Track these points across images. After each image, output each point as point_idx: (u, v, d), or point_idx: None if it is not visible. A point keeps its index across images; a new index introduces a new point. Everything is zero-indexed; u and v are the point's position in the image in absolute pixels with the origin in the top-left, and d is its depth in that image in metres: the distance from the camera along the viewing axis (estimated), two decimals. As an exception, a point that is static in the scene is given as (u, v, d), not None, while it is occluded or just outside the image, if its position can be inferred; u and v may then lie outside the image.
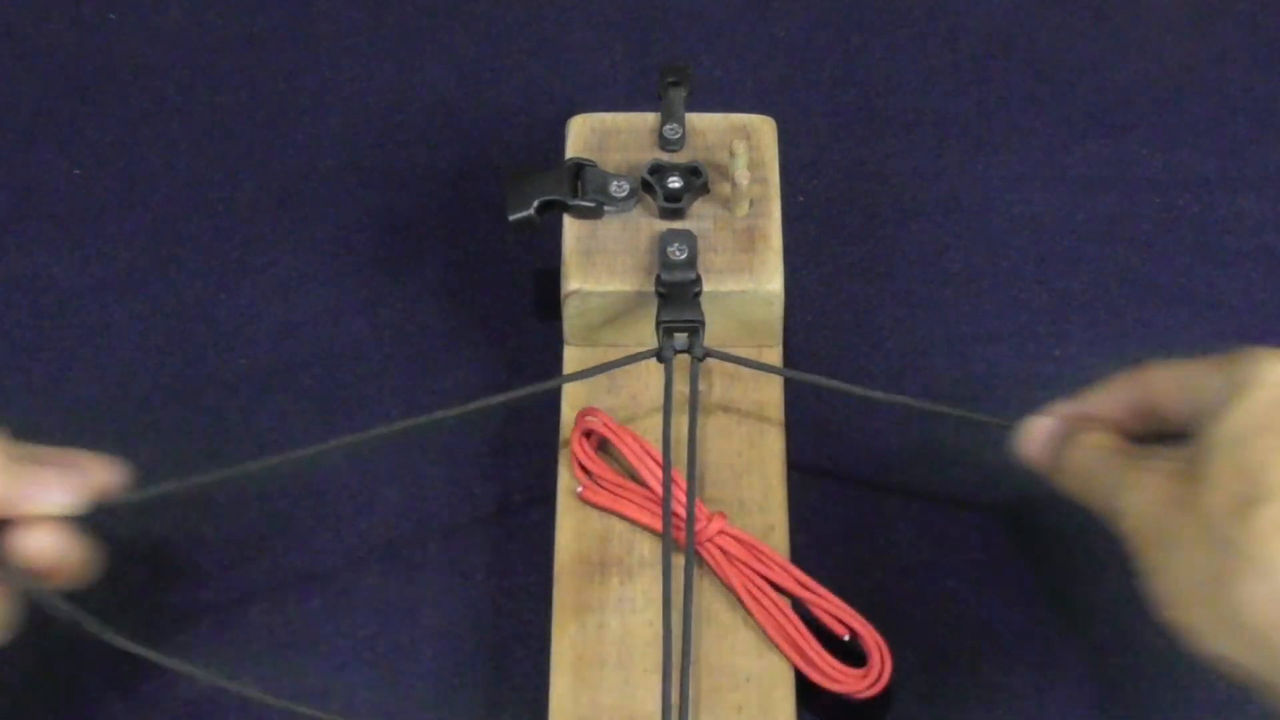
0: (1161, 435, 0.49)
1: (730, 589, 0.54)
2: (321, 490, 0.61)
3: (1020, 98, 0.74)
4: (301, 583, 0.59)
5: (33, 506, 0.49)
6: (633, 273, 0.58)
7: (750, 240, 0.58)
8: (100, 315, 0.67)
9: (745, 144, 0.57)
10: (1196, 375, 0.47)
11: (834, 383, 0.57)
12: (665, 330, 0.55)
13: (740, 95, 0.73)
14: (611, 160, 0.60)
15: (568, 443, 0.57)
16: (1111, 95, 0.74)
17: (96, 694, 0.57)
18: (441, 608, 0.58)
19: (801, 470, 0.61)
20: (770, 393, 0.59)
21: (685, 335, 0.56)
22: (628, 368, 0.58)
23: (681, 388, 0.56)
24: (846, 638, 0.53)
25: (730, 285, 0.58)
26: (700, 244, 0.57)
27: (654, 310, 0.57)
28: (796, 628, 0.53)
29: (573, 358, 0.60)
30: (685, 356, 0.56)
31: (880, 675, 0.53)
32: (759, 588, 0.53)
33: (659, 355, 0.55)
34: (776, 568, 0.54)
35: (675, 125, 0.60)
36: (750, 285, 0.58)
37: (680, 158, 0.60)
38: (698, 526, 0.54)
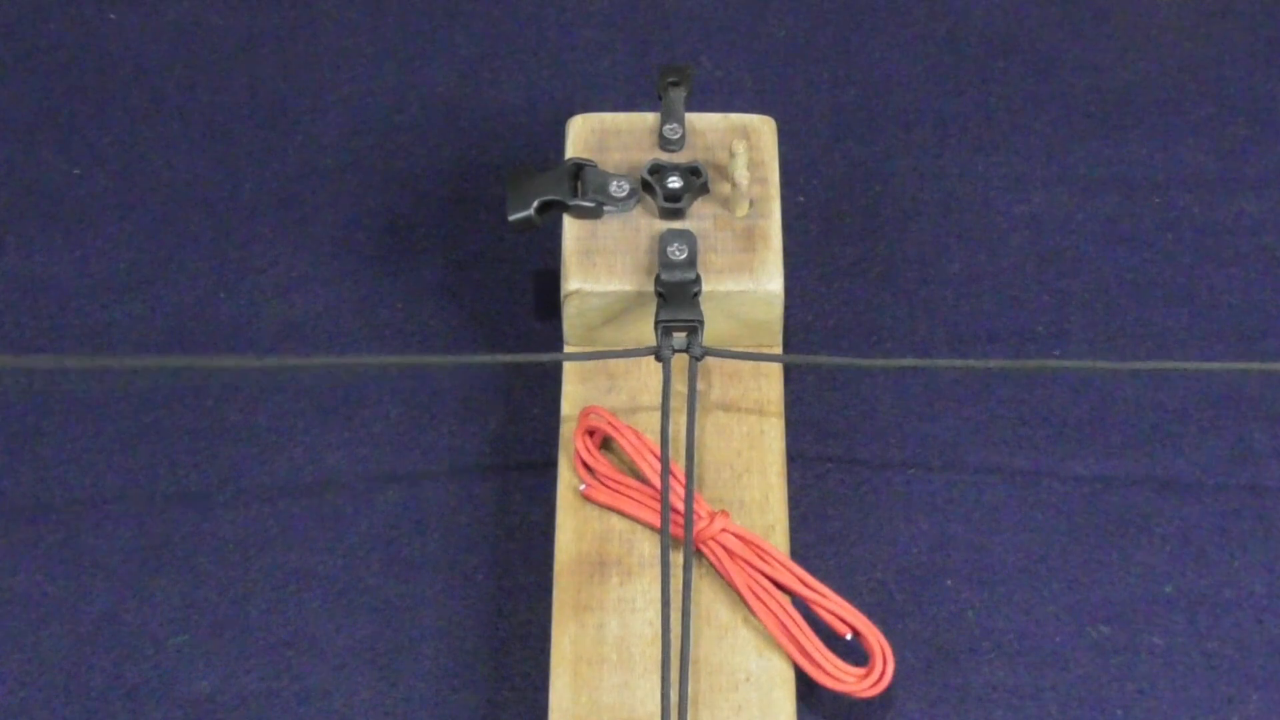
0: None
1: (732, 587, 0.54)
2: (321, 490, 0.61)
3: (1020, 98, 0.74)
4: (301, 582, 0.59)
5: None
6: (632, 273, 0.58)
7: (750, 240, 0.58)
8: (100, 315, 0.67)
9: (745, 144, 0.57)
10: None
11: (834, 359, 0.57)
12: (664, 330, 0.55)
13: (740, 95, 0.73)
14: (611, 160, 0.60)
15: (568, 443, 0.57)
16: (1111, 95, 0.74)
17: (99, 693, 0.57)
18: (441, 608, 0.58)
19: (802, 469, 0.61)
20: (771, 391, 0.59)
21: (684, 335, 0.56)
22: (628, 368, 0.58)
23: (681, 387, 0.56)
24: (849, 637, 0.53)
25: (730, 285, 0.58)
26: (700, 244, 0.57)
27: (654, 310, 0.56)
28: (799, 626, 0.53)
29: (575, 342, 0.60)
30: (685, 356, 0.56)
31: (882, 675, 0.53)
32: (761, 586, 0.53)
33: (657, 354, 0.55)
34: (779, 566, 0.54)
35: (675, 125, 0.60)
36: (750, 285, 0.58)
37: (680, 158, 0.60)
38: (700, 525, 0.54)
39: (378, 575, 0.59)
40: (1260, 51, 0.75)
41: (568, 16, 0.77)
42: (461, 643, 0.58)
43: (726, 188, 0.59)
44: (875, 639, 0.53)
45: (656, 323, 0.55)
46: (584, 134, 0.61)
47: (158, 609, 0.59)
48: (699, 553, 0.54)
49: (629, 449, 0.56)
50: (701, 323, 0.55)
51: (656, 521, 0.54)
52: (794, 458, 0.60)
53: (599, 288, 0.58)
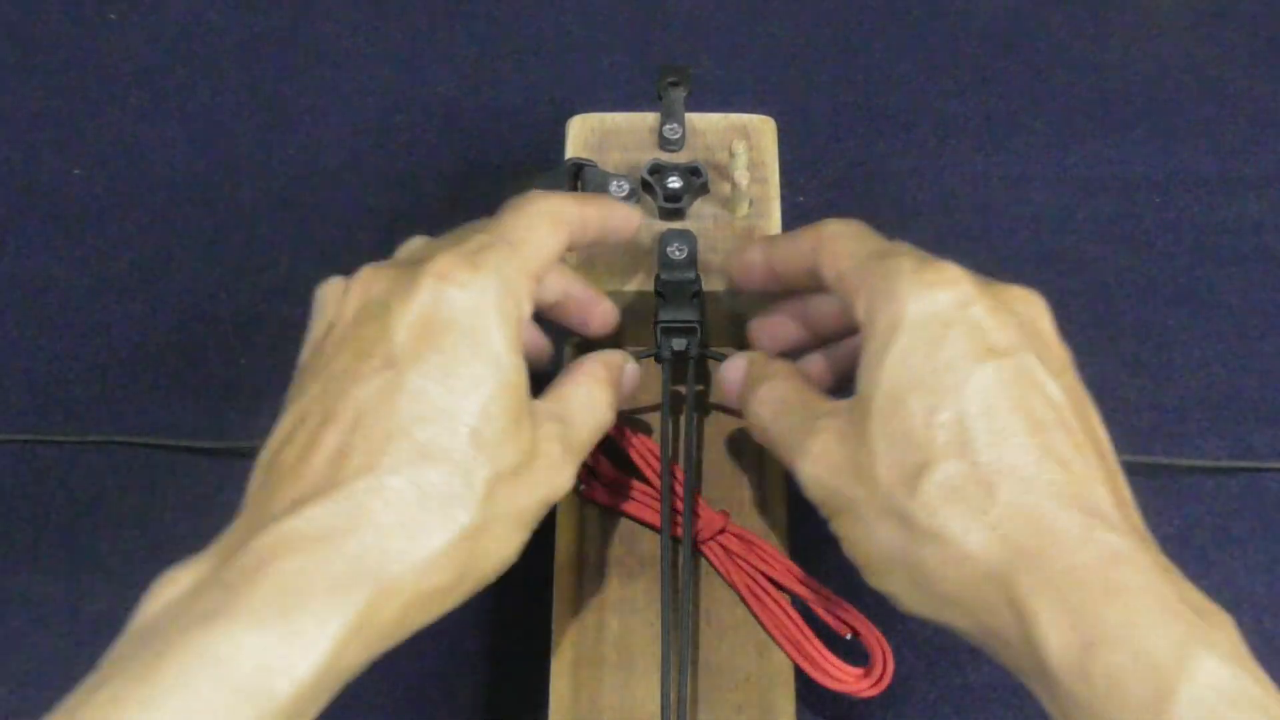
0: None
1: (732, 587, 0.54)
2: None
3: (1020, 98, 0.74)
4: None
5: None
6: (633, 273, 0.58)
7: (750, 240, 0.58)
8: (100, 315, 0.67)
9: (745, 144, 0.57)
10: (848, 294, 0.47)
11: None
12: (664, 330, 0.55)
13: (740, 95, 0.73)
14: (611, 160, 0.60)
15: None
16: (1111, 95, 0.74)
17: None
18: (441, 608, 0.58)
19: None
20: (770, 392, 0.59)
21: (685, 335, 0.56)
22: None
23: (681, 388, 0.56)
24: (849, 637, 0.53)
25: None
26: (700, 244, 0.57)
27: (653, 310, 0.56)
28: (799, 626, 0.53)
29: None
30: (685, 356, 0.56)
31: (882, 674, 0.53)
32: (761, 586, 0.53)
33: (657, 356, 0.55)
34: (779, 566, 0.54)
35: (675, 125, 0.60)
36: (750, 285, 0.58)
37: (680, 158, 0.60)
38: (700, 525, 0.54)
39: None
40: (1260, 51, 0.75)
41: (568, 16, 0.77)
42: (461, 643, 0.58)
43: (726, 188, 0.59)
44: (875, 639, 0.53)
45: (656, 323, 0.55)
46: (584, 134, 0.61)
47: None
48: (699, 553, 0.54)
49: (630, 449, 0.56)
50: (701, 323, 0.55)
51: (657, 521, 0.54)
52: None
53: (599, 288, 0.58)
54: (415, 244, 0.51)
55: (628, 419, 0.57)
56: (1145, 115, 0.73)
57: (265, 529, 0.41)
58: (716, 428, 0.57)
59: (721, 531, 0.54)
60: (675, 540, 0.53)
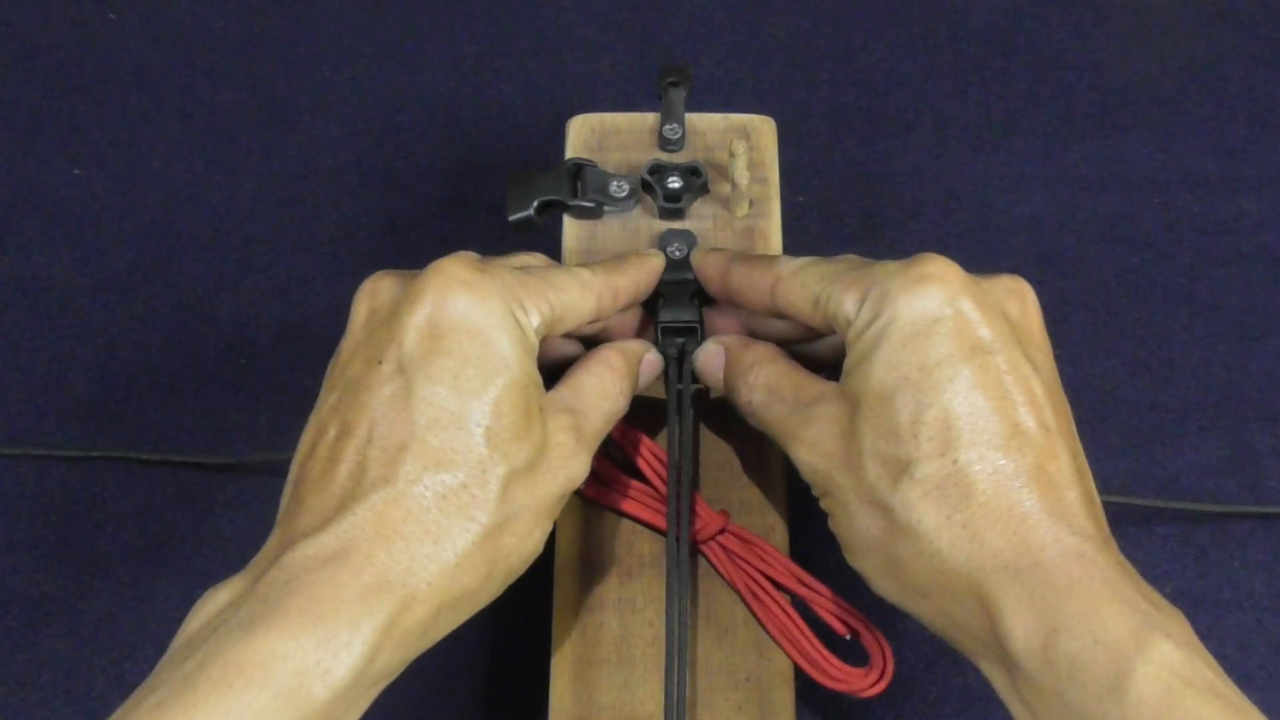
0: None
1: (732, 587, 0.54)
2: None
3: (1020, 98, 0.74)
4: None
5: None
6: (633, 272, 0.58)
7: (750, 240, 0.58)
8: (100, 315, 0.67)
9: (745, 144, 0.57)
10: (837, 298, 0.48)
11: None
12: (664, 330, 0.55)
13: (740, 95, 0.73)
14: (611, 160, 0.60)
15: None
16: (1111, 95, 0.74)
17: (99, 693, 0.57)
18: (442, 608, 0.58)
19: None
20: (770, 392, 0.59)
21: (685, 335, 0.56)
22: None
23: (681, 388, 0.56)
24: (849, 636, 0.53)
25: (730, 285, 0.58)
26: (700, 244, 0.57)
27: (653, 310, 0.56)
28: (799, 626, 0.53)
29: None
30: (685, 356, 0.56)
31: (882, 674, 0.53)
32: (761, 586, 0.53)
33: (658, 355, 0.55)
34: (779, 566, 0.54)
35: (675, 125, 0.60)
36: (750, 285, 0.58)
37: (680, 158, 0.60)
38: (701, 525, 0.54)
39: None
40: (1260, 51, 0.75)
41: (568, 16, 0.77)
42: (461, 643, 0.58)
43: (726, 188, 0.59)
44: (875, 639, 0.53)
45: (656, 323, 0.55)
46: (584, 134, 0.61)
47: (158, 609, 0.59)
48: (699, 553, 0.54)
49: (630, 449, 0.56)
50: (701, 323, 0.55)
51: (656, 521, 0.54)
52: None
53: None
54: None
55: (628, 419, 0.57)
56: (1145, 115, 0.73)
57: (294, 546, 0.43)
58: (717, 428, 0.57)
59: (721, 532, 0.54)
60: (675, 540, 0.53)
